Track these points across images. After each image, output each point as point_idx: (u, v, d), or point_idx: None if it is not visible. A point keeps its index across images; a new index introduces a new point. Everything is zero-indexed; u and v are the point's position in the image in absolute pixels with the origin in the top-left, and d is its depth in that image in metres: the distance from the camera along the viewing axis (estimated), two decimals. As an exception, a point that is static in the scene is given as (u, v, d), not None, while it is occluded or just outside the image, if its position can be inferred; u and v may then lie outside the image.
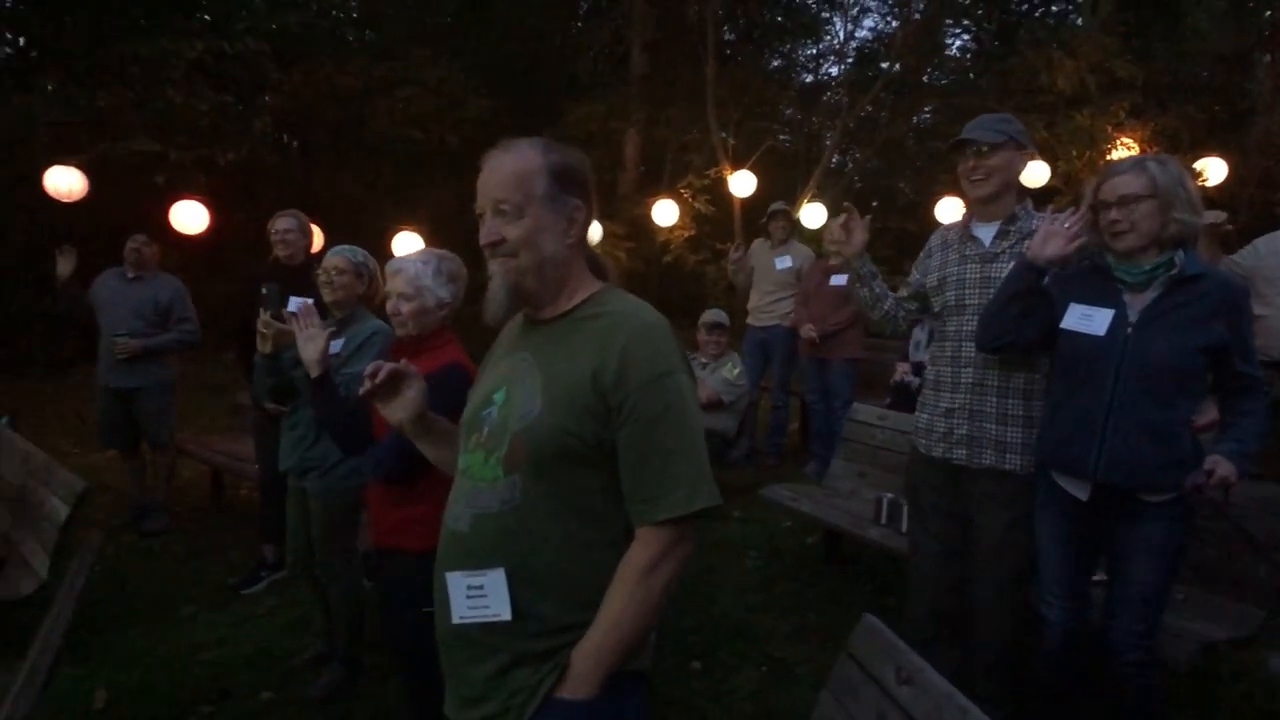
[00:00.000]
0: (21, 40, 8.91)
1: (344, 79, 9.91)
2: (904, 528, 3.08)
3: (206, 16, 9.67)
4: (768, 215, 5.86)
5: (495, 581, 1.25)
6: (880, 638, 1.65)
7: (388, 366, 1.40)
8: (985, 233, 2.42)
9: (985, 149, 2.32)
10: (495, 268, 1.32)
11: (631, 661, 1.28)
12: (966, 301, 2.41)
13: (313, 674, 2.98)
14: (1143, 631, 2.09)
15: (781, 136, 15.38)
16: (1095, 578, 2.30)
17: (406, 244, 5.76)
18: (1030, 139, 2.43)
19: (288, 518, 2.93)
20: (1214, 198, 6.66)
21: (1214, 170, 7.27)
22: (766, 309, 5.82)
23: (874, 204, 15.23)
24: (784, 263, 5.74)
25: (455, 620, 1.29)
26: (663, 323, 1.31)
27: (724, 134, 11.80)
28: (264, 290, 2.63)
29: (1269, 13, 10.49)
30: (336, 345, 2.58)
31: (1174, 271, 2.04)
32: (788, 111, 15.10)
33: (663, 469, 1.23)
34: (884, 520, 3.32)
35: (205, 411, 7.08)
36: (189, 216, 5.22)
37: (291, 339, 2.58)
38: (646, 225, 10.16)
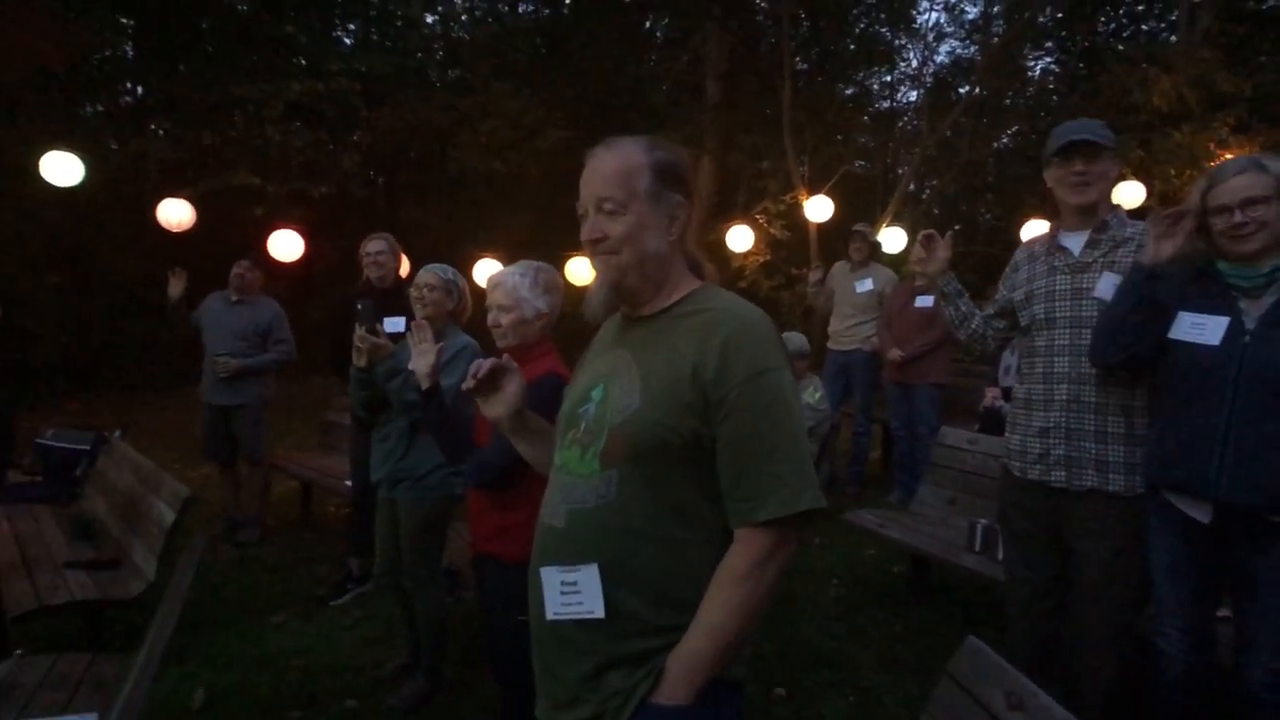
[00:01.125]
0: (140, 89, 9.67)
1: (428, 113, 10.34)
2: (1000, 555, 2.94)
3: (302, 61, 10.30)
4: (848, 236, 5.79)
5: (589, 577, 1.23)
6: (986, 660, 1.57)
7: (489, 361, 1.42)
8: (1074, 242, 2.32)
9: (1095, 152, 2.22)
10: (597, 265, 1.32)
11: (728, 670, 1.24)
12: (1057, 315, 2.30)
13: (396, 685, 3.02)
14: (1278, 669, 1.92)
15: (859, 163, 15.25)
16: (1221, 613, 2.14)
17: (487, 271, 5.90)
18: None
19: (377, 528, 3.00)
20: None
21: None
22: (847, 333, 5.72)
23: (955, 227, 14.84)
24: (864, 285, 5.63)
25: (550, 617, 1.27)
26: (765, 319, 1.29)
27: (801, 159, 11.74)
28: (359, 306, 2.73)
29: None
30: None
31: None
32: (863, 140, 14.94)
33: (765, 467, 1.20)
34: (978, 547, 3.17)
35: (296, 432, 7.38)
36: (285, 245, 5.50)
37: (385, 353, 2.68)
38: (721, 252, 10.16)
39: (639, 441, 1.23)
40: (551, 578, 1.27)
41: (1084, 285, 2.25)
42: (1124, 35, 14.06)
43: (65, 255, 8.75)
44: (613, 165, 1.30)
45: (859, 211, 11.55)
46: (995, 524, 3.04)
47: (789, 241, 11.78)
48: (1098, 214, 2.28)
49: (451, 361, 2.70)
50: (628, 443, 1.23)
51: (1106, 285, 2.20)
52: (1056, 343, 2.30)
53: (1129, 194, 6.77)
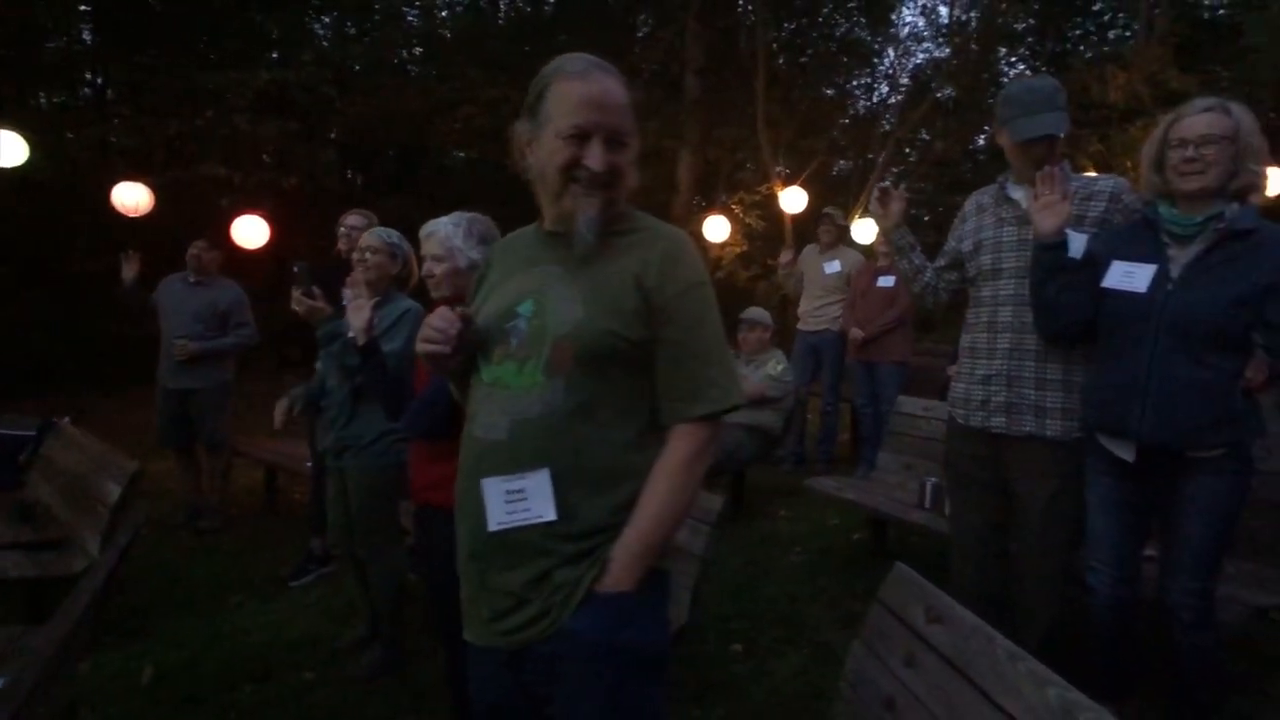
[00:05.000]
0: (100, 79, 9.53)
1: (404, 101, 10.26)
2: (947, 509, 2.97)
3: (274, 55, 10.20)
4: (818, 219, 5.84)
5: (539, 483, 1.26)
6: (910, 582, 1.60)
7: (456, 320, 1.32)
8: (1022, 195, 2.34)
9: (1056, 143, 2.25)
10: (593, 198, 1.27)
11: (660, 561, 1.31)
12: (1003, 265, 2.33)
13: (356, 657, 3.00)
14: (1198, 590, 1.99)
15: (839, 162, 15.38)
16: (1147, 552, 2.19)
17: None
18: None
19: (328, 498, 2.97)
20: (1273, 208, 6.39)
21: (1274, 180, 6.96)
22: (816, 313, 5.76)
23: (925, 219, 14.99)
24: (832, 267, 5.69)
25: (493, 527, 1.28)
26: (691, 240, 1.39)
27: (776, 152, 11.82)
28: (295, 269, 2.68)
29: None
30: None
31: (1222, 225, 1.94)
32: (836, 134, 15.06)
33: (700, 369, 1.30)
34: (928, 504, 3.20)
35: (265, 427, 7.28)
36: (249, 231, 5.42)
37: (321, 315, 2.64)
38: (699, 242, 10.19)
39: (588, 349, 1.27)
40: (494, 488, 1.28)
41: (1029, 236, 2.26)
42: (1092, 40, 14.37)
43: (17, 247, 8.55)
44: (620, 95, 1.31)
45: (834, 203, 11.64)
46: (944, 482, 3.08)
47: (765, 232, 11.86)
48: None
49: (395, 326, 2.67)
50: (576, 350, 1.27)
51: (1077, 246, 2.19)
52: (1002, 293, 2.33)
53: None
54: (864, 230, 6.86)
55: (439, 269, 2.16)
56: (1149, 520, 2.14)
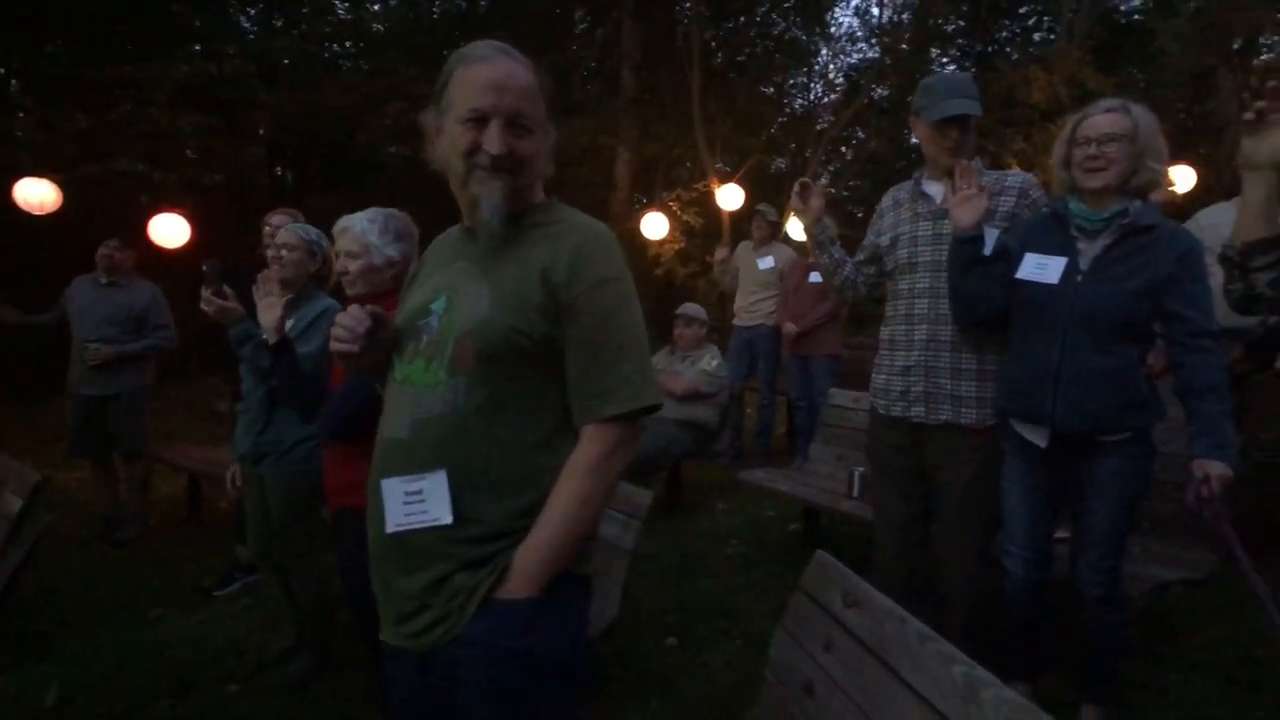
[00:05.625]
0: (1, 70, 9.00)
1: (334, 96, 9.98)
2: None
3: (197, 46, 9.79)
4: (751, 215, 5.91)
5: (436, 484, 1.23)
6: (830, 568, 1.63)
7: (366, 317, 1.31)
8: (936, 190, 2.41)
9: (969, 122, 2.29)
10: (494, 183, 1.25)
11: (578, 565, 1.28)
12: (918, 259, 2.39)
13: (284, 666, 2.91)
14: (1106, 568, 2.07)
15: (777, 161, 15.58)
16: (1059, 535, 2.28)
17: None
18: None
19: (247, 506, 2.87)
20: (1183, 204, 6.73)
21: (1182, 178, 7.33)
22: (750, 309, 5.82)
23: (859, 215, 15.35)
24: (766, 263, 5.75)
25: (391, 529, 1.25)
26: (610, 232, 1.34)
27: (712, 149, 11.91)
28: (205, 267, 2.58)
29: (1238, 40, 10.75)
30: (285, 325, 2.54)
31: (1126, 220, 2.03)
32: (773, 131, 15.28)
33: (611, 367, 1.24)
34: (856, 494, 3.27)
35: (191, 434, 7.01)
36: (168, 230, 5.19)
37: (231, 315, 2.55)
38: (638, 242, 10.21)
39: (489, 345, 1.23)
40: (394, 489, 1.25)
41: (944, 231, 2.32)
42: (1018, 42, 14.89)
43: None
44: (524, 79, 1.27)
45: (771, 200, 11.80)
46: (871, 470, 3.15)
47: (703, 229, 11.93)
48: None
49: (313, 325, 2.59)
50: (478, 347, 1.24)
51: (989, 240, 2.24)
52: (917, 286, 2.39)
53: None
54: (797, 227, 6.96)
55: (353, 266, 2.11)
56: (1060, 503, 2.23)
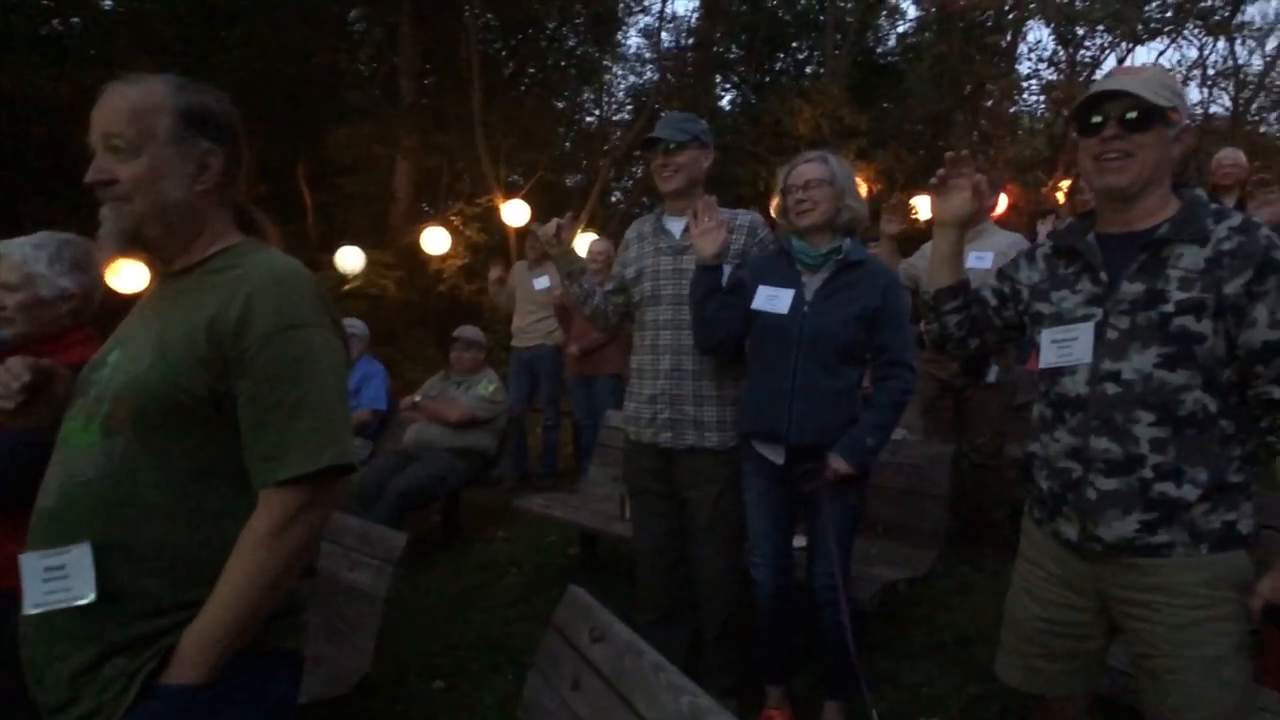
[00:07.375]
0: None
1: (53, 86, 8.65)
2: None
3: None
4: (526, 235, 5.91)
5: (79, 558, 1.09)
6: (580, 603, 1.64)
7: (19, 378, 1.18)
8: (676, 226, 2.56)
9: (673, 146, 2.45)
10: (107, 211, 1.20)
11: (278, 640, 1.18)
12: (661, 293, 2.52)
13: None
14: (833, 572, 2.26)
15: (569, 178, 15.73)
16: (798, 544, 2.48)
17: (126, 277, 5.02)
18: (713, 139, 2.58)
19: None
20: (925, 230, 7.66)
21: (924, 206, 8.35)
22: (529, 329, 5.79)
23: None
24: (542, 283, 5.72)
25: (28, 609, 1.10)
26: (300, 274, 1.22)
27: (496, 162, 11.77)
28: None
29: (968, 85, 12.51)
30: None
31: (841, 256, 2.29)
32: (567, 146, 15.46)
33: (287, 425, 1.14)
34: (627, 515, 3.34)
35: None
36: None
37: None
38: (419, 255, 9.84)
39: (146, 402, 1.12)
40: (33, 564, 1.10)
41: (684, 265, 2.47)
42: (790, 75, 16.15)
43: None
44: (128, 100, 1.18)
45: (561, 217, 11.84)
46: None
47: (490, 245, 11.71)
48: (689, 198, 2.50)
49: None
50: (134, 404, 1.12)
51: (724, 276, 2.40)
52: (661, 318, 2.52)
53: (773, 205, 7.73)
54: (584, 245, 7.04)
55: (11, 300, 1.80)
56: (796, 516, 2.44)
